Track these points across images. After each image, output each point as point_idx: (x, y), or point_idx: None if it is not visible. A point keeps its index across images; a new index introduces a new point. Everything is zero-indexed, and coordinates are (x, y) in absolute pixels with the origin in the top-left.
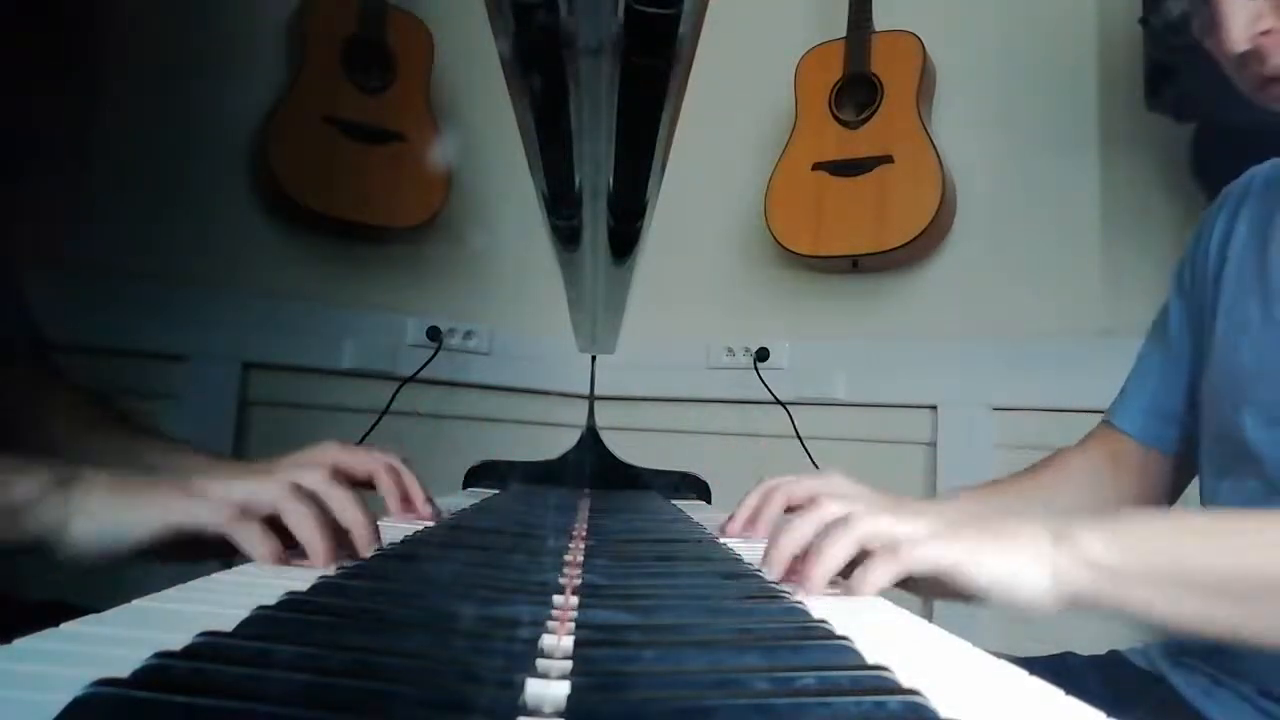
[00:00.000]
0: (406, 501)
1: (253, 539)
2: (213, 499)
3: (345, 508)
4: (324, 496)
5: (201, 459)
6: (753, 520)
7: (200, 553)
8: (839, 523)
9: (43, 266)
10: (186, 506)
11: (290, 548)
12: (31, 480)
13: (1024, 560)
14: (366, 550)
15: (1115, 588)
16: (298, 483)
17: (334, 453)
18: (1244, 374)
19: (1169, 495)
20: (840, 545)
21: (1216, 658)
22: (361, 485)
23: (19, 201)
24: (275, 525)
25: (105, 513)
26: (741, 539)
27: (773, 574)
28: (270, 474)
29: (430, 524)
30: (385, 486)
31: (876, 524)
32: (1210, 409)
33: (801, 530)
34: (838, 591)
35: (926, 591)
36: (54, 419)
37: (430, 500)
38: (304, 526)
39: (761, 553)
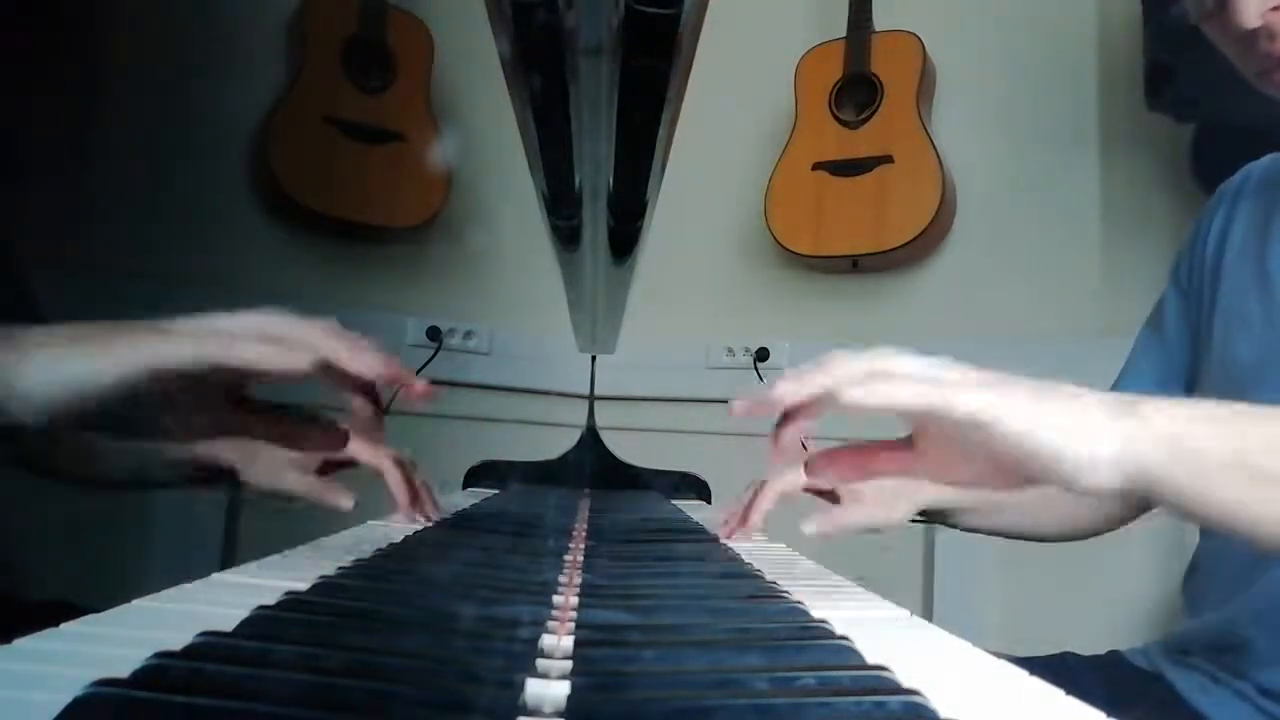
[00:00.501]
0: (415, 501)
1: (265, 352)
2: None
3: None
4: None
5: None
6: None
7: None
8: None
9: (43, 266)
10: (160, 342)
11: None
12: None
13: (1090, 422)
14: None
15: (1181, 467)
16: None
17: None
18: (1244, 370)
19: None
20: (813, 377)
21: (1216, 656)
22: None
23: (19, 201)
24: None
25: (63, 361)
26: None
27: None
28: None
29: (430, 523)
30: (393, 480)
31: (898, 360)
32: None
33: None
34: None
35: (957, 477)
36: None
37: (434, 502)
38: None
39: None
